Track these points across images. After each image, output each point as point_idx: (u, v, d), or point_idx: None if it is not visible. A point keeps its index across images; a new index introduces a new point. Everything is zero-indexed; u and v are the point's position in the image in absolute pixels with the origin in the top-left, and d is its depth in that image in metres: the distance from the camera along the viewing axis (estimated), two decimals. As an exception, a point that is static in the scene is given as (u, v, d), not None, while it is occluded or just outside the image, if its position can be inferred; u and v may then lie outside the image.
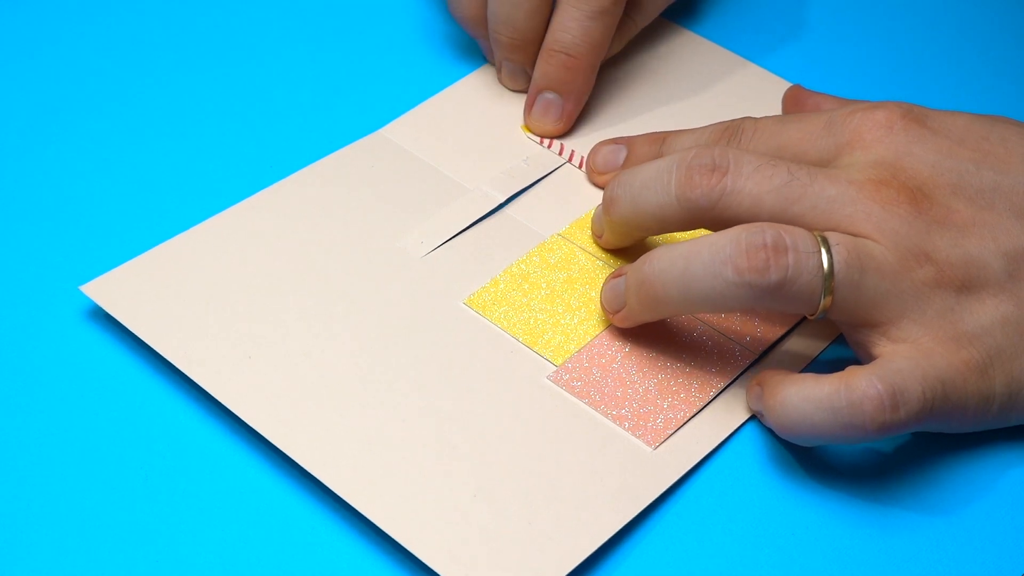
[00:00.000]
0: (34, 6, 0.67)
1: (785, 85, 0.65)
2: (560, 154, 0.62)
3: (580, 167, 0.61)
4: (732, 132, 0.56)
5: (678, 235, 0.57)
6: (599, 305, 0.55)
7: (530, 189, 0.60)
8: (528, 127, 0.62)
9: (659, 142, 0.58)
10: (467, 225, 0.58)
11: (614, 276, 0.54)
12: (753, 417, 0.52)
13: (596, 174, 0.60)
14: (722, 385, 0.53)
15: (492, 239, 0.58)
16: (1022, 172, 0.52)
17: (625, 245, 0.57)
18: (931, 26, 0.70)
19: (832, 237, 0.49)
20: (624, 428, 0.52)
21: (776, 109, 0.63)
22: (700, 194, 0.51)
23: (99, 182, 0.59)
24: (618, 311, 0.53)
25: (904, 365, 0.49)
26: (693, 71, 0.66)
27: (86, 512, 0.49)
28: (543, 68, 0.61)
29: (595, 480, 0.50)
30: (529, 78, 0.63)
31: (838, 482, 0.51)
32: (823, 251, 0.49)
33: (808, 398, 0.49)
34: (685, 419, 0.52)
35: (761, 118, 0.56)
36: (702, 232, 0.55)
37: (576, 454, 0.51)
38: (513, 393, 0.53)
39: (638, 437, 0.51)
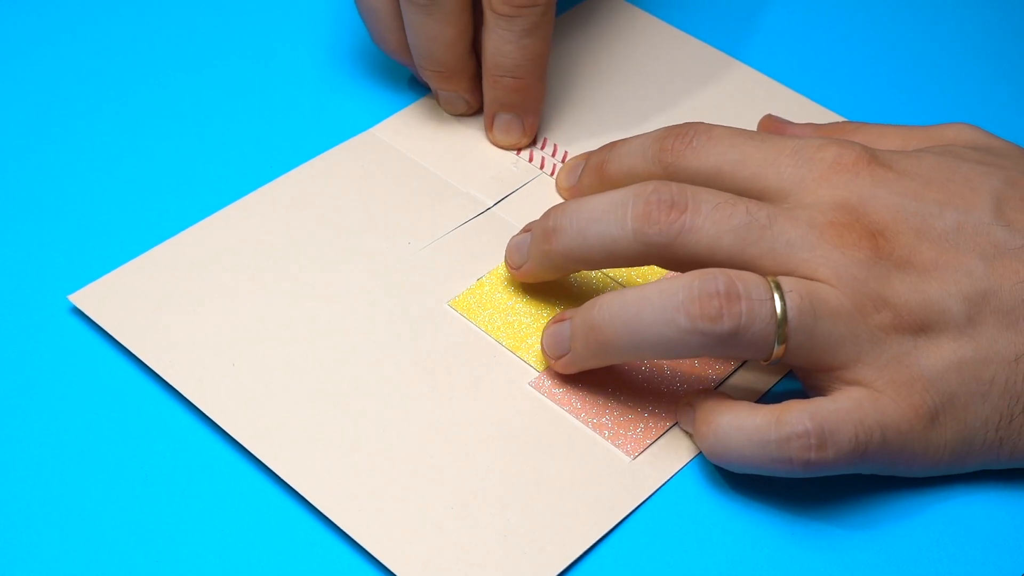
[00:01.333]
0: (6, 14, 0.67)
1: (777, 87, 0.65)
2: (553, 155, 0.61)
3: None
4: (681, 135, 0.54)
5: (611, 272, 0.57)
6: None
7: (519, 189, 0.60)
8: (494, 143, 0.62)
9: (608, 150, 0.57)
10: (455, 226, 0.58)
11: (556, 321, 0.53)
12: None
13: (564, 190, 0.59)
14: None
15: (480, 239, 0.58)
16: (987, 213, 0.51)
17: (549, 279, 0.55)
18: (928, 23, 0.70)
19: (785, 283, 0.49)
20: (604, 437, 0.52)
21: (765, 110, 0.63)
22: (658, 231, 0.50)
23: (86, 190, 0.59)
24: (560, 357, 0.52)
25: (843, 406, 0.48)
26: (690, 74, 0.66)
27: (77, 518, 0.49)
28: (492, 94, 0.60)
29: (572, 491, 0.50)
30: (467, 103, 0.62)
31: (822, 491, 0.51)
32: (776, 297, 0.48)
33: (739, 428, 0.48)
34: (665, 429, 0.52)
35: (716, 126, 0.54)
36: (643, 271, 0.55)
37: (554, 463, 0.51)
38: (494, 400, 0.53)
39: (617, 446, 0.51)
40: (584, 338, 0.51)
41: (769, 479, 0.51)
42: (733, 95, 0.64)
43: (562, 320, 0.52)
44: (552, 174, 0.61)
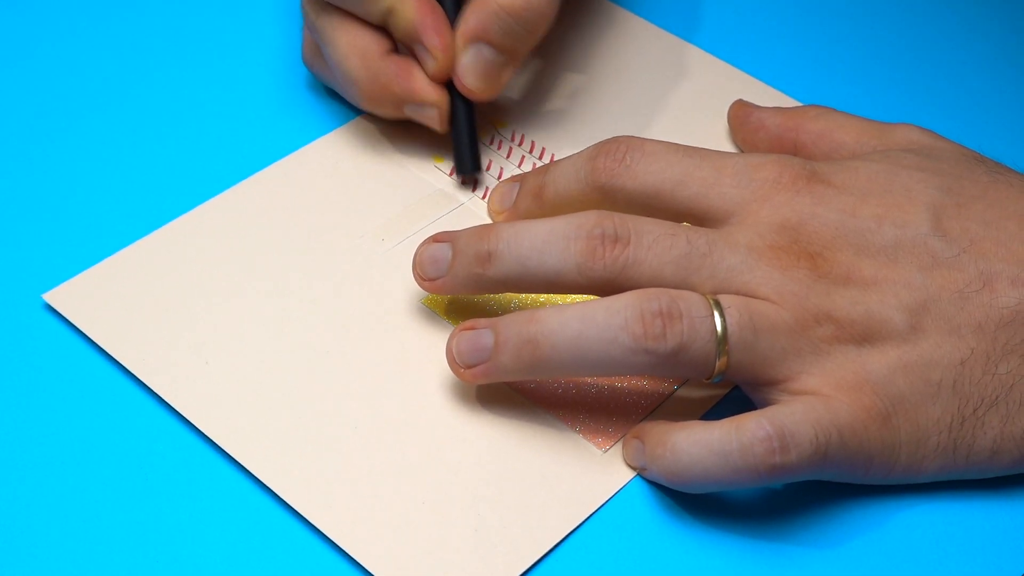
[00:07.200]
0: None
1: (753, 83, 0.65)
2: (520, 144, 0.62)
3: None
4: (611, 153, 0.53)
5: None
6: (553, 304, 0.55)
7: (491, 185, 0.60)
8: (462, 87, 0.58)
9: (544, 173, 0.56)
10: (428, 223, 0.59)
11: (468, 328, 0.51)
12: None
13: (497, 214, 0.58)
14: (672, 389, 0.53)
15: (453, 235, 0.58)
16: (924, 223, 0.51)
17: (463, 294, 0.55)
18: (894, 18, 0.70)
19: (724, 300, 0.49)
20: (575, 431, 0.52)
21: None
22: (603, 266, 0.50)
23: (59, 188, 0.60)
24: (475, 366, 0.51)
25: (797, 409, 0.48)
26: (663, 67, 0.66)
27: (49, 517, 0.49)
28: (479, 18, 0.57)
29: (544, 484, 0.50)
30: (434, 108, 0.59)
31: (799, 487, 0.51)
32: (716, 314, 0.49)
33: (698, 442, 0.48)
34: (636, 422, 0.52)
35: (648, 140, 0.53)
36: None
37: (526, 457, 0.51)
38: (465, 396, 0.53)
39: (588, 440, 0.52)
40: (516, 352, 0.50)
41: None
42: (713, 93, 0.64)
43: (474, 328, 0.51)
44: (520, 165, 0.61)
